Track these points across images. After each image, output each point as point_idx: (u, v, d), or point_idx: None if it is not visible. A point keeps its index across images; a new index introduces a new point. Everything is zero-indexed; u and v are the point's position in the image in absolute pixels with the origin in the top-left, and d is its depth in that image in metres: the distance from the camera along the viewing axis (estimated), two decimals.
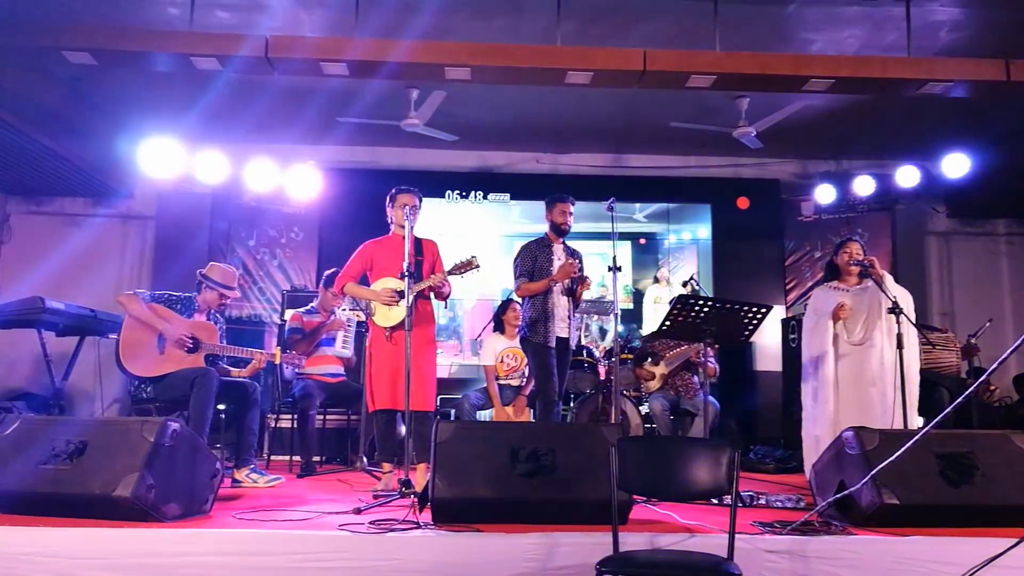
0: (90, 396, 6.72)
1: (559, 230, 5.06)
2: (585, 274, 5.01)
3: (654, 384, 6.07)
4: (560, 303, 4.94)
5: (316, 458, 5.62)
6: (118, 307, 4.66)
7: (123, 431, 3.30)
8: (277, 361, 4.86)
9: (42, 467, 3.22)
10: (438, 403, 5.95)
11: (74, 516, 3.10)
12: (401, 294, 4.30)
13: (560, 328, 4.91)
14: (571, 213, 5.06)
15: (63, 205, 7.90)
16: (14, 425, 3.47)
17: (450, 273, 4.44)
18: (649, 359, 6.16)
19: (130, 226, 7.94)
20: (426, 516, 3.22)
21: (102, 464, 3.17)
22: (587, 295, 5.32)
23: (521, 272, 4.99)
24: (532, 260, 4.99)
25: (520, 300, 5.21)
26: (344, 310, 5.80)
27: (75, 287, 6.84)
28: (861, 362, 4.46)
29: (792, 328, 6.69)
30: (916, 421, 4.32)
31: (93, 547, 2.85)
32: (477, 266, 4.46)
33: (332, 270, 5.69)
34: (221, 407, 4.81)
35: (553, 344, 4.86)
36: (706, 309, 4.35)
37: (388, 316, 4.41)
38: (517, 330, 5.97)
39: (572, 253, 5.10)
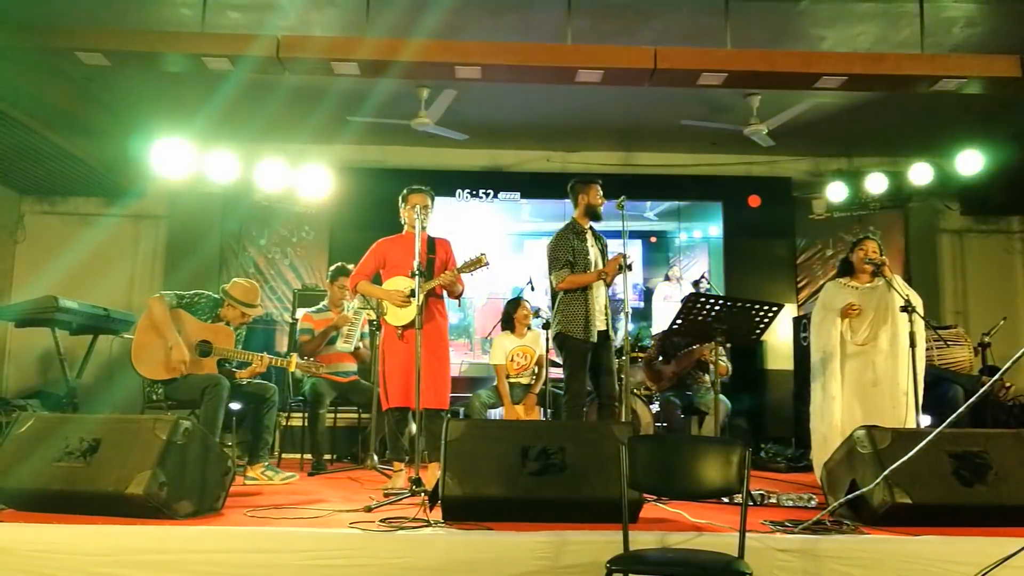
0: (103, 394, 6.76)
1: (595, 213, 4.81)
2: (630, 261, 4.61)
3: (664, 383, 6.06)
4: (600, 295, 4.68)
5: (327, 456, 5.64)
6: (142, 306, 4.67)
7: (136, 429, 3.33)
8: (292, 369, 4.86)
9: (56, 465, 3.25)
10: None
11: (87, 513, 3.13)
12: (412, 293, 4.31)
13: (600, 321, 4.64)
14: None
15: (76, 205, 7.97)
16: (29, 423, 3.50)
17: (459, 271, 4.44)
18: (660, 358, 6.15)
19: (142, 225, 7.99)
20: (436, 514, 3.23)
21: (115, 462, 3.20)
22: None
23: (563, 263, 4.66)
24: (571, 249, 4.68)
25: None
26: (352, 304, 5.78)
27: (88, 286, 6.90)
28: (865, 362, 4.47)
29: (803, 327, 6.65)
30: (923, 420, 4.31)
31: (105, 544, 2.87)
32: (487, 264, 4.45)
33: (337, 264, 5.71)
34: (236, 406, 4.82)
35: (595, 339, 4.60)
36: (717, 308, 4.33)
37: (399, 315, 4.41)
38: (528, 327, 5.98)
39: (598, 238, 4.89)
